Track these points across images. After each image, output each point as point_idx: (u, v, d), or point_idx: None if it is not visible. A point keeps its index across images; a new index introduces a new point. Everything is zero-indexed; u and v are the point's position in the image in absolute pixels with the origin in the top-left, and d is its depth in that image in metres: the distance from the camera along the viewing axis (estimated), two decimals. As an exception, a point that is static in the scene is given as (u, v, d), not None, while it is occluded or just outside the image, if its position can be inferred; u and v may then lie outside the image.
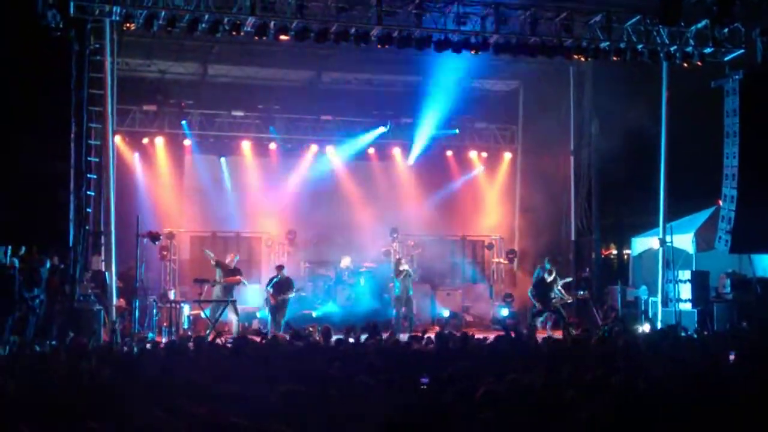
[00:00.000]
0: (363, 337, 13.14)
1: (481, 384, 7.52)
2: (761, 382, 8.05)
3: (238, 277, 18.44)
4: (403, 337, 14.86)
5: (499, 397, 7.19)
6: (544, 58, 17.90)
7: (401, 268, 19.51)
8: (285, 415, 6.33)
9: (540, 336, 14.17)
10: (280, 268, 18.68)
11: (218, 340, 12.66)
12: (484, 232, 24.56)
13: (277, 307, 17.98)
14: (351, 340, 13.02)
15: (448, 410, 6.66)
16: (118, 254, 17.40)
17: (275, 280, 18.35)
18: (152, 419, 5.78)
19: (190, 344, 12.00)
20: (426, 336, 13.09)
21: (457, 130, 24.43)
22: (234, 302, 17.91)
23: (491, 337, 12.93)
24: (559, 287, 18.66)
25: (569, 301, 19.09)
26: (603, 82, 20.94)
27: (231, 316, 17.79)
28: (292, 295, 18.16)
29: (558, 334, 16.09)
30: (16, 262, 14.54)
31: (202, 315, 17.65)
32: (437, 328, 17.67)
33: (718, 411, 6.77)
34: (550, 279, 18.53)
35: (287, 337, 14.36)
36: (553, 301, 18.45)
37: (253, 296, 20.17)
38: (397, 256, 20.60)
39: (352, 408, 6.80)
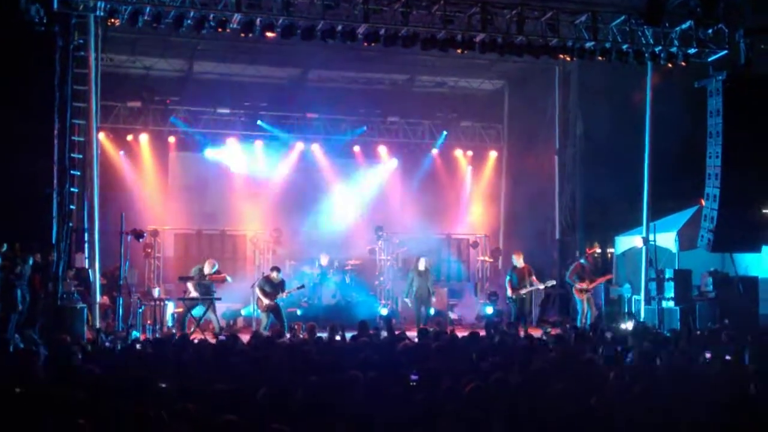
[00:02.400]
0: (348, 335, 13.18)
1: (467, 382, 7.58)
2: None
3: (222, 274, 18.34)
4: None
5: (485, 395, 7.25)
6: (529, 57, 17.94)
7: (422, 267, 19.15)
8: (275, 413, 6.33)
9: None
10: (276, 269, 18.40)
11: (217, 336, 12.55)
12: (469, 231, 24.61)
13: (273, 309, 17.67)
14: (337, 338, 13.01)
15: (437, 407, 6.69)
16: (101, 251, 17.31)
17: (271, 281, 17.90)
18: (141, 416, 5.76)
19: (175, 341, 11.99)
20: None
21: (445, 132, 24.56)
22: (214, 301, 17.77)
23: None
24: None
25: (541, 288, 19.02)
26: (588, 81, 21.06)
27: (211, 315, 17.67)
28: (284, 296, 17.90)
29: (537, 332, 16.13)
30: (0, 260, 14.41)
31: (192, 315, 17.46)
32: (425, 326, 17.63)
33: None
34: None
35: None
36: (522, 292, 18.39)
37: (237, 294, 20.03)
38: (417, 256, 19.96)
39: (343, 404, 6.81)
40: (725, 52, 18.02)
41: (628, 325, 17.52)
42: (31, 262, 15.11)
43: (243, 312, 19.58)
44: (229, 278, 18.17)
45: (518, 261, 18.79)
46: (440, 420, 6.29)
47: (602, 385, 8.16)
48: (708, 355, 11.30)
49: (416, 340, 12.92)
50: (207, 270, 17.89)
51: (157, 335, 15.77)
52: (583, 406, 6.89)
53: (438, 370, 8.52)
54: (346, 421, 6.25)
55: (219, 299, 17.95)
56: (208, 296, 17.61)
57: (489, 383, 7.67)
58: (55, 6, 15.05)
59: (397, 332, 14.13)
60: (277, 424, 5.62)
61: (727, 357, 10.85)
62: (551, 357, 10.52)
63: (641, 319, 18.22)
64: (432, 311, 19.60)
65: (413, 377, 8.83)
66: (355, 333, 13.39)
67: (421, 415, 6.50)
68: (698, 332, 15.70)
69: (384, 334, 13.81)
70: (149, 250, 20.62)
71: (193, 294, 17.58)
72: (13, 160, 14.47)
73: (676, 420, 6.73)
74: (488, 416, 6.38)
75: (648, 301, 18.76)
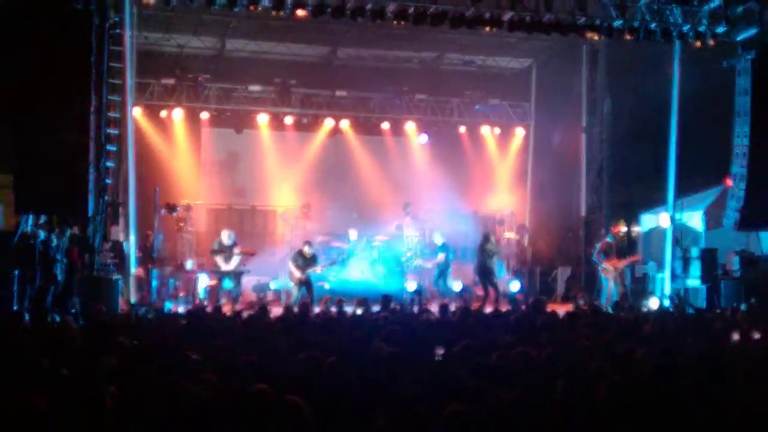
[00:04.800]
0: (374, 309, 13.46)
1: (491, 357, 7.81)
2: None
3: (248, 249, 18.74)
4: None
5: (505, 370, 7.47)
6: (557, 35, 17.98)
7: (492, 247, 19.10)
8: (303, 385, 6.57)
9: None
10: (308, 243, 18.65)
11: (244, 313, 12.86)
12: (496, 208, 24.78)
13: (305, 283, 18.00)
14: (359, 311, 13.26)
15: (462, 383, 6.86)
16: (136, 225, 17.76)
17: (303, 255, 18.14)
18: (171, 386, 5.99)
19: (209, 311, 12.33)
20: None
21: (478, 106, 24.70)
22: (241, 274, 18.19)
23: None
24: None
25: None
26: (616, 60, 21.07)
27: (238, 288, 18.08)
28: (317, 270, 18.25)
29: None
30: (41, 233, 14.84)
31: (223, 287, 17.92)
32: (447, 301, 17.92)
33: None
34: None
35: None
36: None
37: (267, 267, 20.40)
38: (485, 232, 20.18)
39: (369, 379, 7.03)
40: (755, 30, 17.89)
41: (652, 303, 17.68)
42: (68, 234, 15.54)
43: (272, 285, 19.95)
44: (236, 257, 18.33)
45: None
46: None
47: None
48: (736, 336, 11.28)
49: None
50: (224, 240, 18.28)
51: (189, 307, 16.18)
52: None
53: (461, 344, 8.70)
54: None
55: (249, 272, 18.38)
56: (237, 269, 18.04)
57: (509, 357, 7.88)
58: (92, -16, 15.40)
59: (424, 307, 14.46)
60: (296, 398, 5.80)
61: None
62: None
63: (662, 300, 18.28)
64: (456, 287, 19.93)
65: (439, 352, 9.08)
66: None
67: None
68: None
69: (415, 308, 14.17)
70: (182, 224, 21.00)
71: (223, 267, 17.99)
72: (51, 136, 14.81)
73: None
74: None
75: (673, 280, 18.86)
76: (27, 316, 13.03)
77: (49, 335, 9.91)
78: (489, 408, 6.02)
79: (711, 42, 17.92)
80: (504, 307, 15.57)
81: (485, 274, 18.88)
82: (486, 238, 19.21)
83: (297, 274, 17.89)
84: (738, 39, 18.10)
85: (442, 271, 19.96)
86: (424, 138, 24.72)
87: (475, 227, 23.25)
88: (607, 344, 9.18)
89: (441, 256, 20.01)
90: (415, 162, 24.72)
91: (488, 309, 15.20)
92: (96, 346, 8.54)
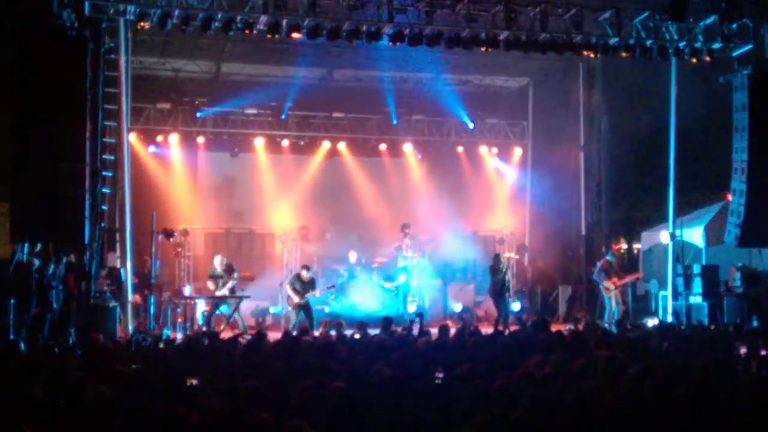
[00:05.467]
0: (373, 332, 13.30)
1: (494, 379, 7.69)
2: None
3: (247, 273, 18.61)
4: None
5: (510, 392, 7.35)
6: (553, 54, 17.97)
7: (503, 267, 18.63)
8: (304, 410, 6.45)
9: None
10: (306, 267, 18.51)
11: (240, 339, 12.73)
12: (496, 227, 24.69)
13: (303, 307, 17.81)
14: (357, 336, 13.07)
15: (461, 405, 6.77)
16: (133, 251, 17.63)
17: (301, 279, 18.00)
18: (173, 413, 5.89)
19: (205, 341, 12.18)
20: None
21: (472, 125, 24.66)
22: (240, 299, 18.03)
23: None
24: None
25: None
26: (613, 78, 21.07)
27: (236, 316, 17.90)
28: (316, 294, 18.09)
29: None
30: (37, 261, 14.71)
31: (221, 311, 17.78)
32: (449, 323, 17.75)
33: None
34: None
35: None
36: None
37: (266, 292, 20.27)
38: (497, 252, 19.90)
39: (370, 401, 6.92)
40: (750, 46, 17.98)
41: (653, 321, 17.56)
42: (64, 261, 15.41)
43: (272, 310, 19.81)
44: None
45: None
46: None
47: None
48: (743, 350, 11.16)
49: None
50: (216, 265, 18.20)
51: (188, 333, 16.01)
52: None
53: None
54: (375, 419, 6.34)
55: (248, 297, 18.23)
56: (235, 295, 17.88)
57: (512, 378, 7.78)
58: (87, 11, 15.32)
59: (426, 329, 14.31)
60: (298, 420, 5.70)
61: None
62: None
63: (664, 318, 18.19)
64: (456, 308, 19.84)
65: (439, 375, 8.93)
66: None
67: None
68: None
69: (415, 330, 14.03)
70: (179, 249, 20.88)
71: (219, 292, 17.86)
72: (47, 162, 14.71)
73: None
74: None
75: (675, 297, 18.74)
76: (23, 345, 12.84)
77: (45, 364, 9.75)
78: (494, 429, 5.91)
79: (707, 58, 17.96)
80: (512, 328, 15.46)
81: (496, 294, 18.54)
82: (496, 258, 18.96)
83: (295, 298, 17.74)
84: (734, 55, 18.14)
85: (405, 295, 19.79)
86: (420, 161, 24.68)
87: (475, 248, 23.17)
88: (609, 362, 9.05)
89: (401, 278, 19.93)
90: (413, 183, 24.67)
91: (489, 330, 15.07)
92: (93, 375, 8.39)
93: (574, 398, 6.75)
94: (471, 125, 24.64)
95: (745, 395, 7.34)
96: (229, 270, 18.11)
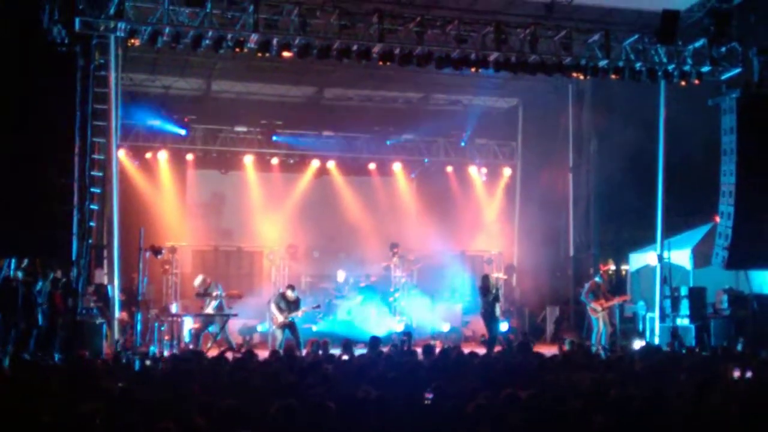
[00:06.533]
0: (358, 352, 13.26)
1: (475, 399, 7.67)
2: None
3: (235, 291, 18.57)
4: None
5: (494, 412, 7.33)
6: (543, 75, 18.06)
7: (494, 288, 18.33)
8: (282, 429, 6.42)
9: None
10: (291, 287, 18.41)
11: (228, 354, 12.66)
12: (484, 247, 24.69)
13: (289, 326, 17.68)
14: (345, 357, 12.99)
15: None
16: (120, 268, 17.54)
17: (286, 298, 17.91)
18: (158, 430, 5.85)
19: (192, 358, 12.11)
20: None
21: (463, 143, 24.70)
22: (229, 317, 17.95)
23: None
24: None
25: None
26: (602, 100, 21.18)
27: (224, 334, 17.81)
28: (298, 315, 17.97)
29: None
30: (21, 275, 14.61)
31: (208, 331, 17.72)
32: (438, 343, 17.71)
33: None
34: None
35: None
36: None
37: (253, 310, 20.20)
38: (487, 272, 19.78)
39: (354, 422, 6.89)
40: (739, 70, 18.13)
41: (640, 343, 17.55)
42: (51, 277, 15.33)
43: (259, 328, 19.74)
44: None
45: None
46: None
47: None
48: (737, 374, 11.12)
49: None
50: (197, 285, 18.27)
51: (174, 351, 15.92)
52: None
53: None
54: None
55: (235, 315, 18.15)
56: (221, 312, 17.81)
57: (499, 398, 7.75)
58: (77, 27, 15.37)
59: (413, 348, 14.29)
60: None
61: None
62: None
63: (651, 339, 18.19)
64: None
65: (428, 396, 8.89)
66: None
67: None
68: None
69: (404, 348, 14.01)
70: (167, 267, 20.79)
71: (205, 311, 17.80)
72: (35, 178, 14.62)
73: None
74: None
75: (662, 319, 18.76)
76: (7, 362, 12.74)
77: (30, 381, 9.67)
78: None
79: (696, 81, 18.08)
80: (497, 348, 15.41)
81: (488, 316, 18.38)
82: (485, 279, 18.81)
83: (279, 318, 17.64)
84: (722, 78, 18.28)
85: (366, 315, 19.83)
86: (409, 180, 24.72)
87: (463, 267, 23.16)
88: (597, 384, 9.03)
89: (357, 299, 19.94)
90: (402, 202, 24.68)
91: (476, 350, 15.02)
92: (78, 392, 8.33)
93: (556, 419, 6.75)
94: (463, 143, 24.68)
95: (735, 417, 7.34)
96: (207, 291, 18.09)
